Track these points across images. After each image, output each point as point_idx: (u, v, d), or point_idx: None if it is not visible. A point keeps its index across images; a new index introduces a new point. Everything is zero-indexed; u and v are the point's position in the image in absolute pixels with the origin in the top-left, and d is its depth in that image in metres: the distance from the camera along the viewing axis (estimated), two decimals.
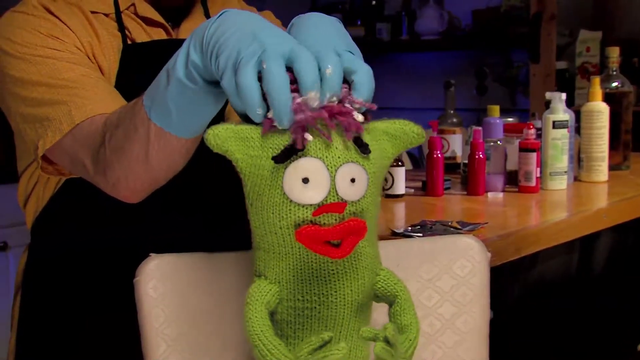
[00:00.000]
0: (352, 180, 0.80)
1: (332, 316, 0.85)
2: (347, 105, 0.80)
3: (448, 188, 2.03)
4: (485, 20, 3.91)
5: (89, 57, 1.18)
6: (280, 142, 0.80)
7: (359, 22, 4.30)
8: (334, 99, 0.79)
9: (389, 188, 1.91)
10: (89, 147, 1.05)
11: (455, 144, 2.35)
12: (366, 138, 0.83)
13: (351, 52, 0.82)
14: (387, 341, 0.85)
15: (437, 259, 1.13)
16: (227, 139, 0.81)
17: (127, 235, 1.24)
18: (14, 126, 1.18)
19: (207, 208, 1.29)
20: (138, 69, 1.20)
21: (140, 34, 1.25)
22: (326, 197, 0.79)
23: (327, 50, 0.79)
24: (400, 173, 1.91)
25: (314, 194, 0.79)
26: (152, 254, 1.05)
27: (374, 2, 4.30)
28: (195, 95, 0.87)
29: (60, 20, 1.18)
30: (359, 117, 0.81)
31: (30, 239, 1.31)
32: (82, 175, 1.11)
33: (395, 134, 0.87)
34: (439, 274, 1.13)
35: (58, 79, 1.11)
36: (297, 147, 0.79)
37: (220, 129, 0.81)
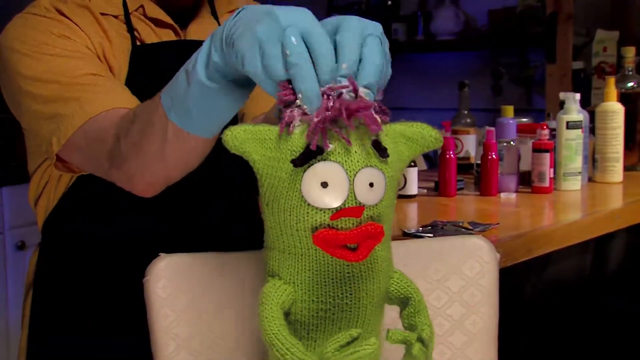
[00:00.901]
0: (371, 185, 0.80)
1: (346, 318, 0.85)
2: (362, 95, 0.79)
3: (461, 188, 2.03)
4: (501, 20, 3.90)
5: (99, 58, 1.19)
6: (298, 144, 0.80)
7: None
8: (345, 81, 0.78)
9: (402, 188, 1.91)
10: (103, 142, 1.06)
11: (469, 145, 2.35)
12: (384, 141, 0.83)
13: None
14: (422, 342, 0.86)
15: (446, 259, 1.13)
16: (245, 140, 0.81)
17: (138, 233, 1.24)
18: (25, 125, 1.20)
19: (217, 205, 1.29)
20: (147, 69, 1.21)
21: (150, 35, 1.26)
22: (344, 201, 0.79)
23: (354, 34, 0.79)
24: (412, 173, 1.91)
25: (333, 199, 0.79)
26: (162, 254, 1.06)
27: (389, 3, 4.29)
28: (216, 96, 0.87)
29: (72, 21, 1.19)
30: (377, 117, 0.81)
31: (41, 237, 1.32)
32: (95, 171, 1.12)
33: (413, 137, 0.86)
34: (448, 274, 1.12)
35: (69, 77, 1.13)
36: (315, 150, 0.78)
37: (238, 130, 0.81)
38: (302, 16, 0.78)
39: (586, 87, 3.40)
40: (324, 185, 0.79)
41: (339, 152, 0.79)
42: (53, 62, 1.14)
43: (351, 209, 0.79)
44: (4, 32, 1.19)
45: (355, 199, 0.79)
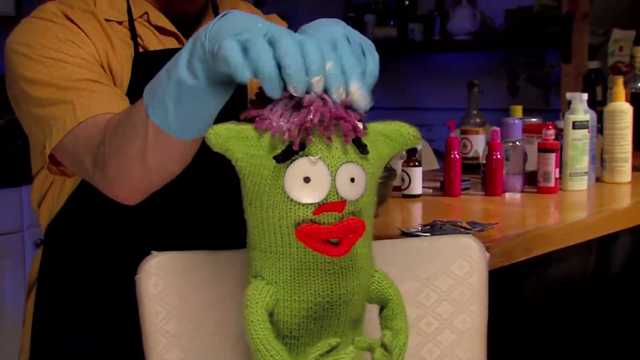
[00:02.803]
0: (352, 180, 0.82)
1: (328, 316, 0.86)
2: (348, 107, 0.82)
3: (467, 188, 2.03)
4: (518, 20, 3.89)
5: (103, 66, 1.20)
6: (280, 142, 0.82)
7: (391, 23, 4.29)
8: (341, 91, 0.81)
9: (406, 188, 1.91)
10: (89, 146, 1.08)
11: (478, 145, 2.34)
12: (364, 139, 0.84)
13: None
14: (384, 347, 0.87)
15: (436, 258, 1.14)
16: (228, 138, 0.83)
17: (139, 236, 1.25)
18: (26, 127, 1.21)
19: (219, 210, 1.30)
20: (149, 76, 1.22)
21: (153, 42, 1.27)
22: (326, 196, 0.81)
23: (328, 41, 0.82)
24: (417, 173, 1.91)
25: (315, 193, 0.81)
26: (154, 252, 1.08)
27: (407, 2, 4.30)
28: (194, 94, 0.88)
29: (78, 27, 1.20)
30: (359, 125, 0.83)
31: (45, 239, 1.34)
32: (82, 175, 1.14)
33: (391, 135, 0.89)
34: (438, 273, 1.14)
35: (67, 81, 1.14)
36: (296, 147, 0.80)
37: (221, 128, 0.83)
38: (278, 27, 0.81)
39: (603, 86, 3.38)
40: (306, 180, 0.81)
41: (320, 148, 0.81)
42: (54, 66, 1.15)
43: (333, 204, 0.81)
44: (11, 35, 1.21)
45: (337, 193, 0.81)
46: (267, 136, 0.82)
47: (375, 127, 0.88)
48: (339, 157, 0.82)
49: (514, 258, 1.46)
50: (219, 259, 1.10)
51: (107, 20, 1.24)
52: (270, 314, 0.87)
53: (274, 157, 0.82)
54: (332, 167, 0.81)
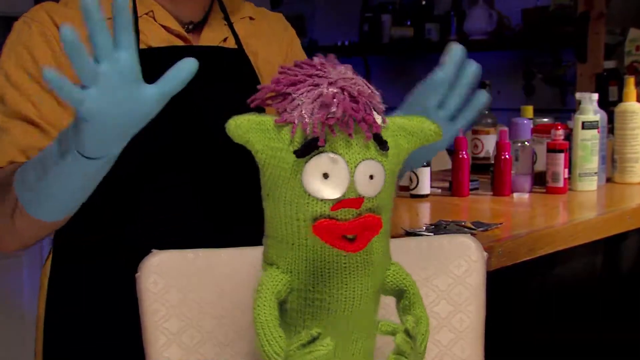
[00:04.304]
0: (371, 177, 0.83)
1: (341, 308, 0.87)
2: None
3: (476, 188, 2.03)
4: (535, 20, 3.87)
5: None
6: (300, 135, 0.82)
7: (408, 23, 4.29)
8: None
9: (414, 188, 1.92)
10: None
11: (489, 145, 2.34)
12: (385, 134, 0.85)
13: None
14: (407, 333, 0.88)
15: (435, 257, 1.14)
16: (248, 129, 0.83)
17: (149, 236, 1.26)
18: None
19: (232, 209, 1.30)
20: (149, 73, 1.23)
21: (159, 39, 1.26)
22: (345, 192, 0.82)
23: None
24: (425, 173, 1.92)
25: (333, 190, 0.82)
26: (154, 250, 1.09)
27: (423, 2, 4.29)
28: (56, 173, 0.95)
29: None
30: (378, 119, 0.84)
31: (54, 243, 1.34)
32: None
33: (412, 130, 0.88)
34: (436, 272, 1.14)
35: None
36: (319, 143, 0.81)
37: (242, 119, 0.83)
38: None
39: (619, 86, 3.36)
40: (325, 176, 0.81)
41: (340, 144, 0.82)
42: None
43: (351, 200, 0.82)
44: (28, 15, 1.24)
45: (355, 190, 0.82)
46: (288, 129, 0.83)
47: (397, 121, 0.88)
48: (358, 154, 0.82)
49: (518, 258, 1.46)
50: (219, 257, 1.10)
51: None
52: (283, 303, 0.87)
53: (294, 152, 0.82)
54: (351, 164, 0.82)
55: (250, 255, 1.08)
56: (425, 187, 1.92)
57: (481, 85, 2.40)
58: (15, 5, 3.05)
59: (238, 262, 1.10)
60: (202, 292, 1.09)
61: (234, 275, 1.09)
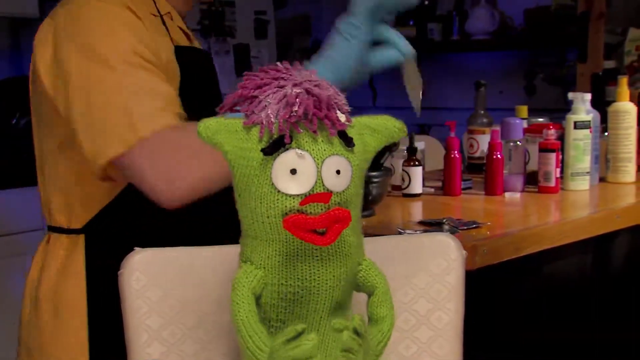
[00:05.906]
0: (337, 172, 0.85)
1: (314, 301, 0.89)
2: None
3: (469, 188, 2.04)
4: (537, 20, 3.88)
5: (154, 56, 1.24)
6: (267, 134, 0.85)
7: (410, 23, 4.30)
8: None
9: (406, 187, 1.93)
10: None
11: (485, 144, 2.35)
12: (350, 132, 0.88)
13: None
14: (355, 331, 0.90)
15: (414, 256, 1.15)
16: (217, 131, 0.87)
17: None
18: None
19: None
20: (189, 70, 1.28)
21: (180, 38, 1.33)
22: (313, 187, 0.84)
23: None
24: (417, 173, 1.93)
25: (301, 185, 0.84)
26: (137, 248, 1.11)
27: (426, 2, 4.30)
28: None
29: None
30: (342, 117, 0.87)
31: (85, 232, 1.34)
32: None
33: (377, 128, 0.92)
34: (415, 271, 1.15)
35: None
36: (285, 140, 0.84)
37: (211, 121, 0.87)
38: None
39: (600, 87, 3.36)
40: (293, 172, 0.84)
41: (306, 141, 0.85)
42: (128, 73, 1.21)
43: (319, 195, 0.84)
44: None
45: (323, 185, 0.84)
46: (256, 130, 0.85)
47: (362, 120, 0.91)
48: (324, 150, 0.85)
49: (504, 257, 1.47)
50: (200, 254, 1.12)
51: (153, 15, 1.28)
52: (258, 298, 0.90)
53: (262, 150, 0.85)
54: (317, 159, 0.84)
55: (232, 253, 1.08)
56: (417, 186, 1.93)
57: (478, 85, 2.42)
58: (19, 6, 3.08)
59: (219, 260, 1.12)
60: (184, 289, 1.11)
61: (215, 273, 1.11)
